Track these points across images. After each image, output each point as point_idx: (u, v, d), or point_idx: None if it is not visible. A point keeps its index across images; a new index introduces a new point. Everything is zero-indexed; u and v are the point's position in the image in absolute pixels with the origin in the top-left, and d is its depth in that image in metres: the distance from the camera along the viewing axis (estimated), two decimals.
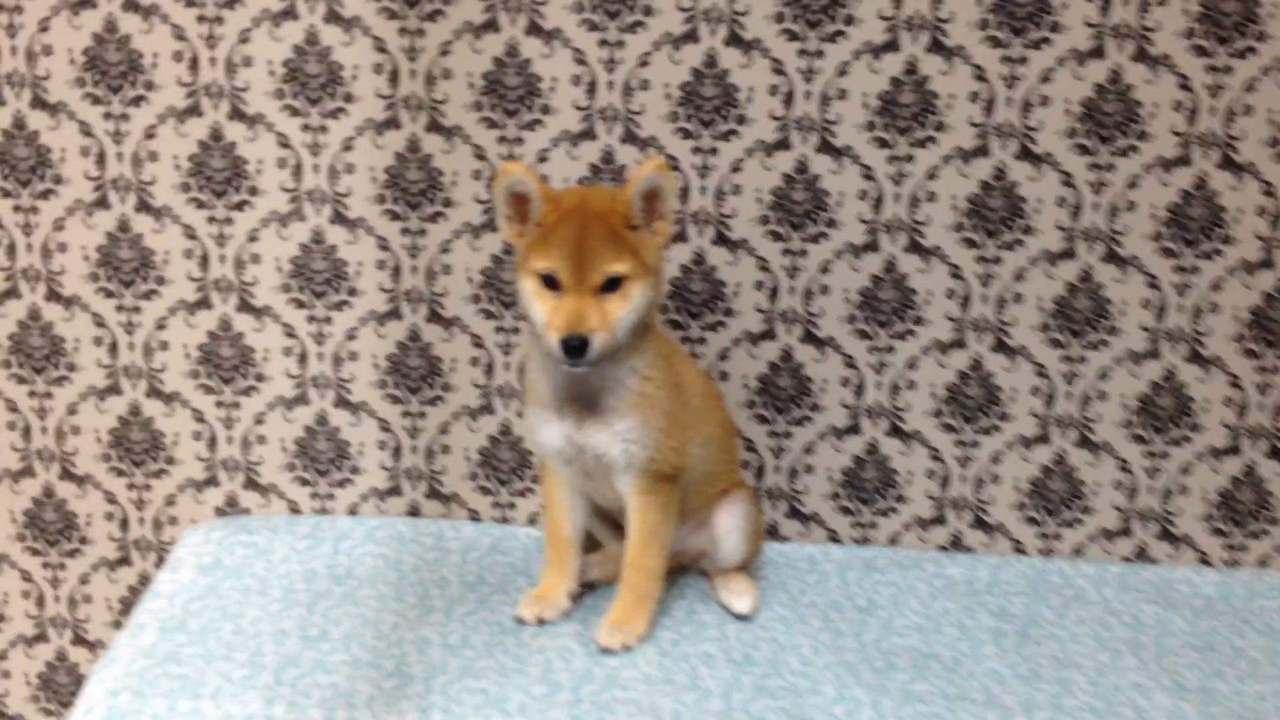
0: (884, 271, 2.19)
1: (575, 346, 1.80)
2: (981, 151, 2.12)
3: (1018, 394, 2.25)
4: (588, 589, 2.15)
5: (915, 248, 2.17)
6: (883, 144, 2.12)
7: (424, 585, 2.14)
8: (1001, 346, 2.22)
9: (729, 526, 2.10)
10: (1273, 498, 2.28)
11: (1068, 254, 2.16)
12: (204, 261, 2.19)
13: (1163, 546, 2.31)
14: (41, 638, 2.38)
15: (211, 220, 2.17)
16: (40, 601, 2.36)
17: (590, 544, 2.17)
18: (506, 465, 2.30)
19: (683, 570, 2.19)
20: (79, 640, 2.38)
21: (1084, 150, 2.11)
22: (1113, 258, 2.16)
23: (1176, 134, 2.10)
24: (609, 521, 2.17)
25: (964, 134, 2.12)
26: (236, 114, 2.12)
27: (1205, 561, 2.31)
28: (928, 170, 2.14)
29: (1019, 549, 2.32)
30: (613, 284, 1.85)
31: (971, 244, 2.17)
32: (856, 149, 2.13)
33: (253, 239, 2.18)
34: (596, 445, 1.94)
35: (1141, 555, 2.31)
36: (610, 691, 1.89)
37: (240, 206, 2.16)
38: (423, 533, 2.29)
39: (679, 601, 2.13)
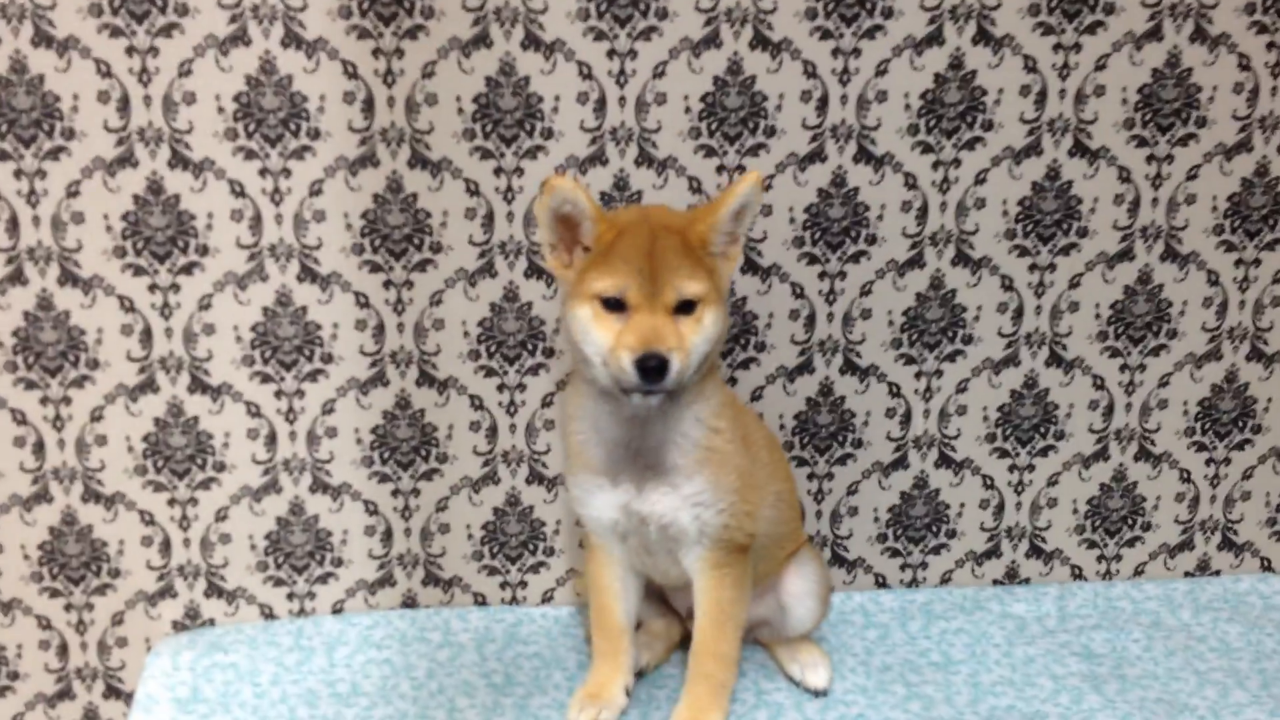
0: (930, 289, 1.96)
1: (653, 368, 1.53)
2: (1034, 150, 1.91)
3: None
4: (636, 677, 1.87)
5: (963, 259, 1.95)
6: (927, 149, 1.89)
7: (447, 694, 1.83)
8: (1056, 360, 2.03)
9: (801, 592, 1.85)
10: None
11: (1126, 255, 1.97)
12: (146, 337, 1.83)
13: (1224, 556, 2.15)
14: None
15: (153, 288, 1.82)
16: None
17: None
18: (515, 539, 2.01)
19: None
20: None
21: (1141, 142, 1.92)
22: (1172, 255, 1.98)
23: (1238, 118, 1.92)
24: (650, 594, 1.90)
25: (1014, 132, 1.90)
26: (179, 160, 1.77)
27: (1268, 568, 2.16)
28: (976, 174, 1.92)
29: (1077, 574, 2.13)
30: (686, 307, 1.58)
31: (1024, 251, 1.95)
32: (898, 155, 1.89)
33: (205, 306, 1.83)
34: (662, 514, 1.67)
35: (1203, 568, 2.15)
36: None
37: (188, 270, 1.82)
38: (425, 627, 1.98)
39: (741, 681, 1.87)
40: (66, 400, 1.84)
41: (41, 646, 1.95)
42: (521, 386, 1.93)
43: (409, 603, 2.02)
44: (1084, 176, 1.93)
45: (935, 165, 1.90)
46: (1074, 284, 1.98)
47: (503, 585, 2.03)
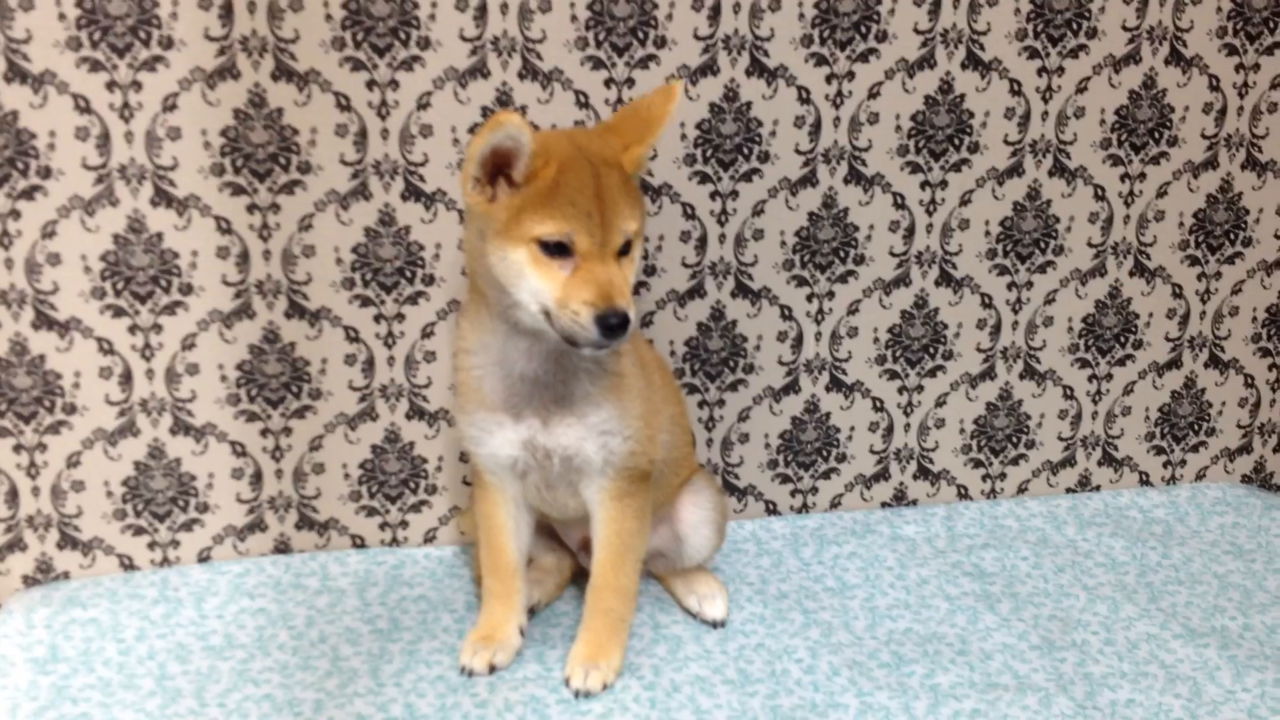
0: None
1: (616, 325, 1.43)
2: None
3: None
4: (529, 615, 1.80)
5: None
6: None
7: (329, 643, 1.73)
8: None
9: (697, 520, 1.79)
10: (1210, 408, 2.16)
11: (1015, 171, 1.94)
12: None
13: (1105, 472, 2.16)
14: None
15: None
16: None
17: None
18: (395, 478, 1.90)
19: None
20: None
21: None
22: (1060, 170, 1.96)
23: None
24: (541, 530, 1.82)
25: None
26: (16, 73, 1.60)
27: (1146, 482, 2.18)
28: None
29: (963, 494, 2.12)
30: (624, 248, 1.50)
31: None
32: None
33: (49, 234, 1.67)
34: (567, 445, 1.59)
35: (1084, 484, 2.16)
36: None
37: (29, 194, 1.65)
38: (301, 573, 1.87)
39: (636, 615, 1.81)
40: None
41: None
42: (400, 317, 1.82)
43: (282, 548, 1.90)
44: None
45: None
46: (965, 201, 1.94)
47: (382, 526, 1.92)
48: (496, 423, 1.59)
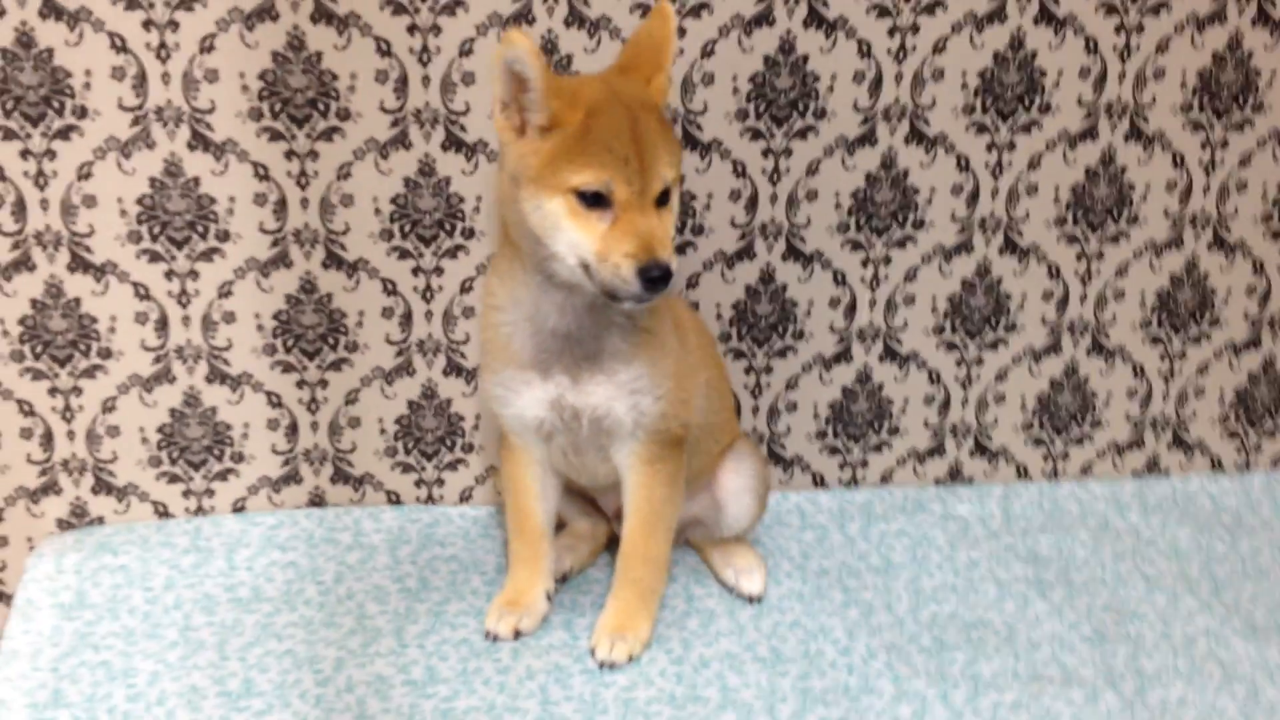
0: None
1: (659, 277, 1.38)
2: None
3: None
4: (560, 581, 1.75)
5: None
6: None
7: (356, 600, 1.70)
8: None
9: (738, 488, 1.73)
10: None
11: (1090, 134, 1.84)
12: (20, 209, 1.65)
13: (1175, 456, 2.06)
14: None
15: (26, 154, 1.63)
16: None
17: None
18: (431, 435, 1.86)
19: None
20: None
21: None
22: (1137, 134, 1.85)
23: None
24: (575, 494, 1.78)
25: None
26: (51, 10, 1.57)
27: (1218, 467, 2.08)
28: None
29: (1022, 473, 2.03)
30: (663, 196, 1.44)
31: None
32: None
33: (85, 175, 1.65)
34: (596, 405, 1.53)
35: (1152, 468, 2.06)
36: None
37: (65, 134, 1.63)
38: (335, 527, 1.84)
39: (671, 586, 1.77)
40: None
41: None
42: (439, 270, 1.77)
43: (317, 501, 1.87)
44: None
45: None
46: (1033, 165, 1.85)
47: (418, 483, 1.89)
48: (525, 381, 1.55)
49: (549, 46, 1.68)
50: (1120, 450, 2.04)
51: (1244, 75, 1.84)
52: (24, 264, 1.67)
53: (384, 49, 1.64)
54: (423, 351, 1.81)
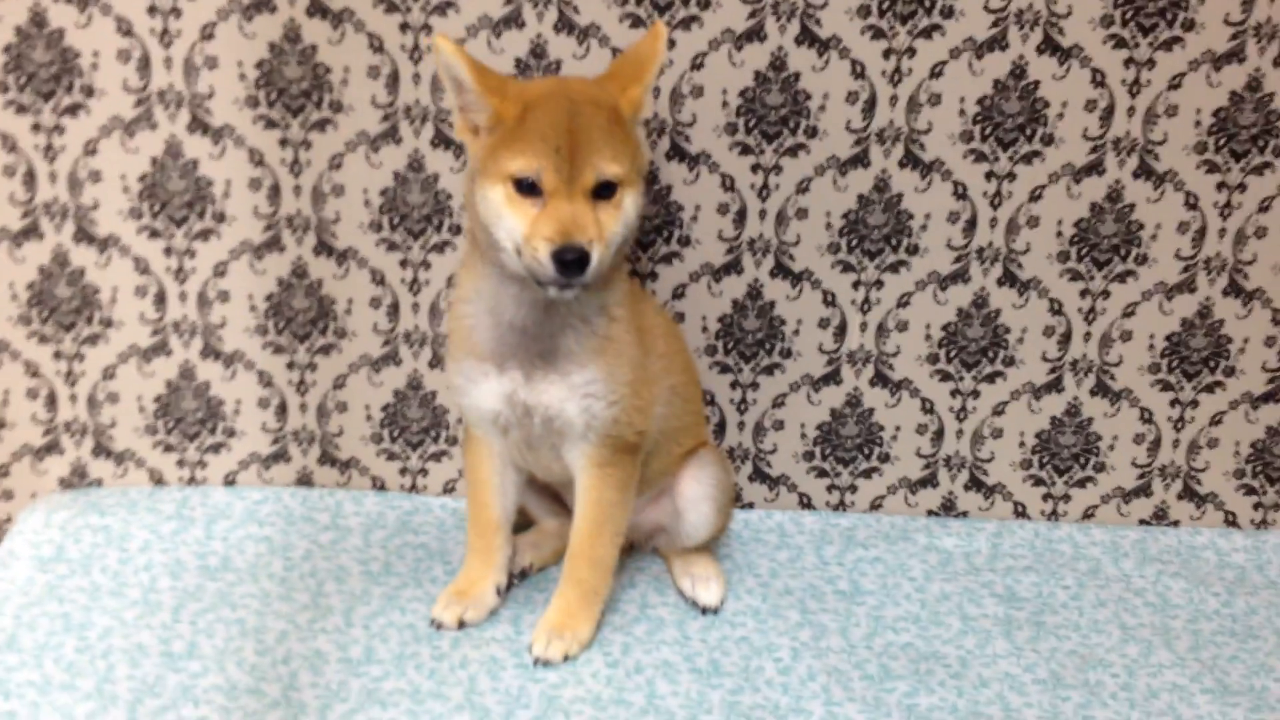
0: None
1: (572, 261, 1.41)
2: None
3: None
4: (520, 577, 1.78)
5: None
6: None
7: (318, 578, 1.75)
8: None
9: (696, 496, 1.73)
10: None
11: (1096, 168, 1.80)
12: (30, 179, 1.74)
13: (1185, 507, 1.98)
14: None
15: (37, 128, 1.72)
16: None
17: (521, 520, 1.80)
18: (416, 425, 1.91)
19: (633, 551, 1.83)
20: None
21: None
22: (1147, 173, 1.80)
23: None
24: (545, 492, 1.80)
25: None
26: None
27: (1232, 523, 1.99)
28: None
29: (1020, 512, 1.98)
30: (605, 190, 1.46)
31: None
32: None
33: (90, 151, 1.73)
34: (547, 404, 1.56)
35: (1160, 517, 1.99)
36: (548, 719, 1.53)
37: (73, 110, 1.71)
38: (316, 507, 1.90)
39: (628, 591, 1.77)
40: None
41: None
42: (425, 264, 1.81)
43: (304, 481, 1.93)
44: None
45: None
46: (1035, 197, 1.81)
47: (402, 471, 1.93)
48: (482, 372, 1.58)
49: (538, 51, 1.71)
50: (1126, 497, 1.98)
51: (1264, 118, 1.77)
52: (33, 232, 1.76)
53: (376, 45, 1.70)
54: (409, 343, 1.86)
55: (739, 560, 1.86)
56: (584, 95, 1.46)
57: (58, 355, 1.83)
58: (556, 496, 1.81)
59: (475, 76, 1.43)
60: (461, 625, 1.67)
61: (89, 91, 1.70)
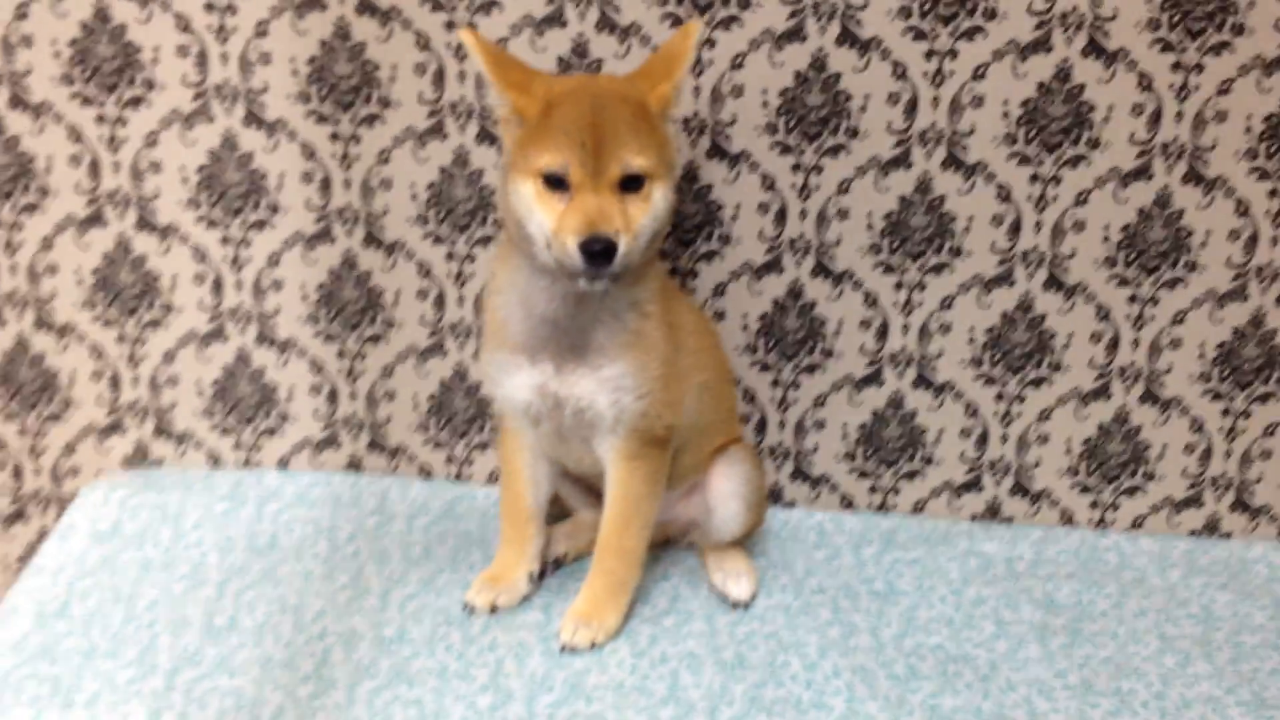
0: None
1: (599, 252, 1.43)
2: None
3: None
4: (555, 566, 1.81)
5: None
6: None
7: (360, 560, 1.80)
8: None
9: (726, 492, 1.74)
10: None
11: (1144, 172, 1.77)
12: (94, 169, 1.81)
13: (1237, 519, 1.95)
14: None
15: (101, 119, 1.79)
16: None
17: (559, 511, 1.83)
18: (462, 415, 1.95)
19: (669, 545, 1.85)
20: None
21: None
22: (1196, 178, 1.77)
23: None
24: (581, 484, 1.82)
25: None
26: None
27: None
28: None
29: (1067, 519, 1.96)
30: (633, 183, 1.48)
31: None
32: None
33: (151, 143, 1.80)
34: (578, 396, 1.58)
35: (1212, 529, 1.95)
36: (571, 704, 1.56)
37: (135, 103, 1.78)
38: (364, 492, 1.95)
39: (662, 584, 1.79)
40: (17, 226, 1.84)
41: None
42: (470, 258, 1.85)
43: (354, 466, 1.98)
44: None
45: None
46: (1081, 201, 1.79)
47: (448, 460, 1.97)
48: (515, 364, 1.61)
49: (580, 50, 1.74)
50: (1176, 507, 1.95)
51: None
52: (97, 220, 1.84)
53: (423, 43, 1.74)
54: (455, 334, 1.90)
55: (775, 558, 1.86)
56: (610, 91, 1.49)
57: (121, 339, 1.90)
58: (592, 488, 1.83)
59: (493, 71, 1.46)
60: (494, 610, 1.70)
61: (150, 85, 1.77)
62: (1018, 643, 1.72)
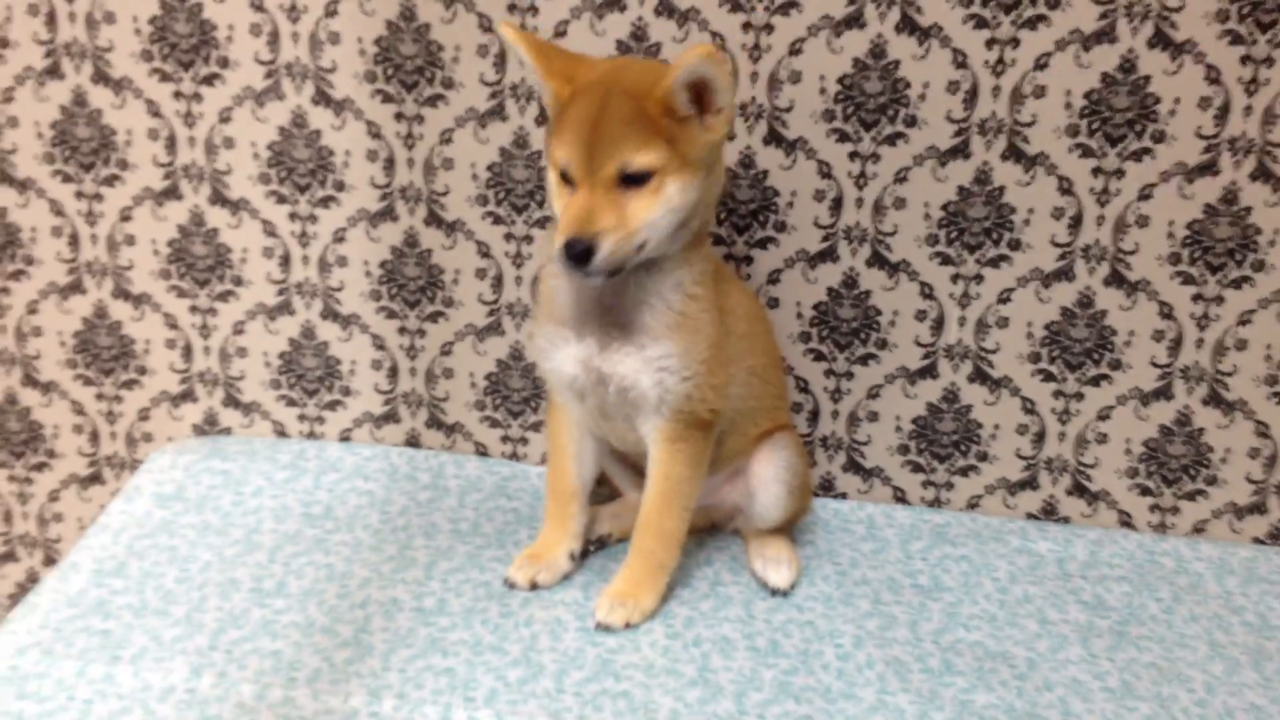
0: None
1: (577, 254, 1.45)
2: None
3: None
4: (598, 546, 1.82)
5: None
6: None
7: (409, 533, 1.83)
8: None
9: (768, 478, 1.74)
10: None
11: (1209, 168, 1.73)
12: (171, 144, 1.88)
13: None
14: (10, 556, 2.14)
15: (178, 95, 1.85)
16: (8, 518, 2.12)
17: (607, 492, 1.85)
18: (518, 395, 1.97)
19: (714, 530, 1.86)
20: (50, 561, 2.14)
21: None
22: (1265, 175, 1.73)
23: None
24: (629, 465, 1.84)
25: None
26: None
27: None
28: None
29: (1126, 521, 1.93)
30: (638, 179, 1.48)
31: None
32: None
33: (225, 119, 1.86)
34: (622, 374, 1.60)
35: (1277, 537, 1.90)
36: (600, 681, 1.57)
37: (210, 80, 1.84)
38: (420, 467, 1.99)
39: (703, 569, 1.80)
40: (98, 197, 1.91)
41: (75, 430, 2.06)
42: (528, 239, 1.88)
43: (413, 442, 2.02)
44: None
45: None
46: (1145, 195, 1.76)
47: (504, 439, 2.01)
48: (562, 338, 1.63)
49: (639, 34, 1.75)
50: (1239, 513, 1.90)
51: None
52: (173, 193, 1.90)
53: (485, 25, 1.77)
54: (512, 314, 1.93)
55: (821, 547, 1.86)
56: (622, 83, 1.48)
57: (194, 309, 1.97)
58: (639, 469, 1.84)
59: (537, 59, 1.48)
60: (534, 587, 1.72)
61: (224, 63, 1.83)
62: (1060, 642, 1.69)
